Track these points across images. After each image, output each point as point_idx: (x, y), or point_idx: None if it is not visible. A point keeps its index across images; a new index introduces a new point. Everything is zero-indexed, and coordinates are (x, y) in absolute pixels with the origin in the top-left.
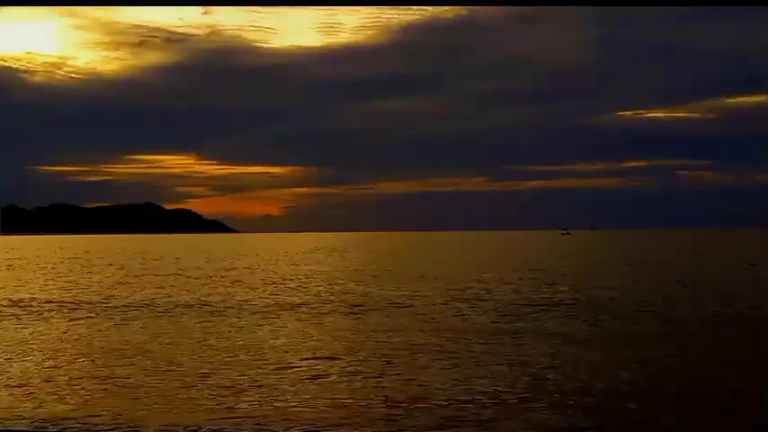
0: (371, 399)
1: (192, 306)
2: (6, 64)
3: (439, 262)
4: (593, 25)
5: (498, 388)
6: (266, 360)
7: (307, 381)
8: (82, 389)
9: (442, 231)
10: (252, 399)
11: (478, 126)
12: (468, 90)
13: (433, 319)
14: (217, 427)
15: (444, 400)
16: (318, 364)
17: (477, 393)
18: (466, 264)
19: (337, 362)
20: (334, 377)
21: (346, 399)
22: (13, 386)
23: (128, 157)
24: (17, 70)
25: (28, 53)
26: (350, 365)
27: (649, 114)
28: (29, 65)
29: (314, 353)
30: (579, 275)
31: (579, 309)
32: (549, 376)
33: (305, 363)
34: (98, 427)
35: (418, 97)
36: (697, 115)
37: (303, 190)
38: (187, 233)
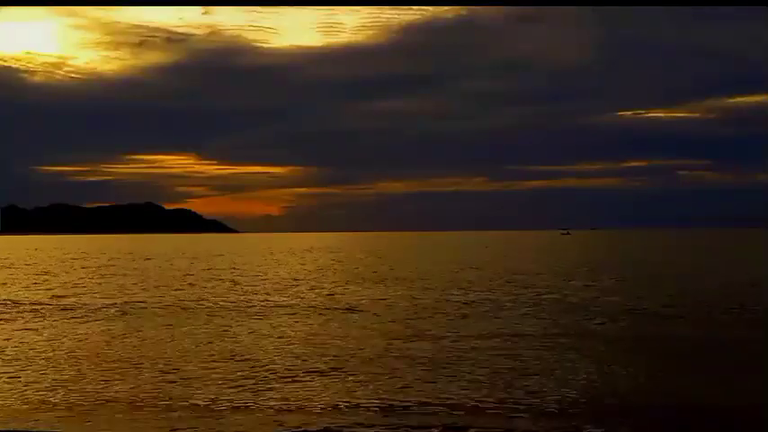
0: (336, 403)
1: (170, 307)
2: (6, 64)
3: (435, 262)
4: (593, 25)
5: (463, 392)
6: (230, 360)
7: (271, 384)
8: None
9: (442, 231)
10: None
11: (478, 126)
12: (468, 90)
13: (411, 320)
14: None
15: (411, 404)
16: (288, 367)
17: (437, 397)
18: (458, 264)
19: (302, 364)
20: (299, 380)
21: (311, 402)
22: None
23: (128, 157)
24: (17, 70)
25: (28, 53)
26: (311, 368)
27: (649, 114)
28: (29, 65)
29: (283, 355)
30: (570, 275)
31: (559, 309)
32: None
33: (270, 365)
34: None
35: (418, 97)
36: (697, 115)
37: (303, 190)
38: (187, 233)
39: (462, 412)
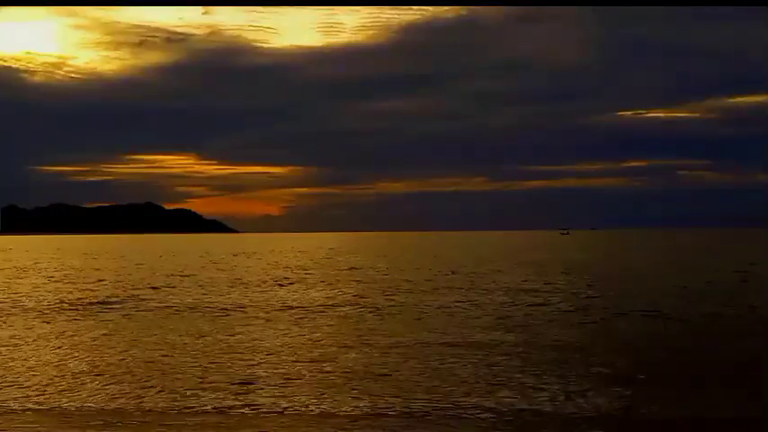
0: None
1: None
2: (6, 64)
3: (418, 263)
4: (593, 25)
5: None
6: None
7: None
8: None
9: (442, 231)
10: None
11: (478, 126)
12: (468, 90)
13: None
14: None
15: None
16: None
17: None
18: (442, 265)
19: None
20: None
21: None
22: None
23: (128, 157)
24: (17, 70)
25: (28, 53)
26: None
27: (649, 114)
28: (29, 65)
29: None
30: (554, 275)
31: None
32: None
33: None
34: None
35: (418, 97)
36: (697, 115)
37: (303, 190)
38: (187, 233)
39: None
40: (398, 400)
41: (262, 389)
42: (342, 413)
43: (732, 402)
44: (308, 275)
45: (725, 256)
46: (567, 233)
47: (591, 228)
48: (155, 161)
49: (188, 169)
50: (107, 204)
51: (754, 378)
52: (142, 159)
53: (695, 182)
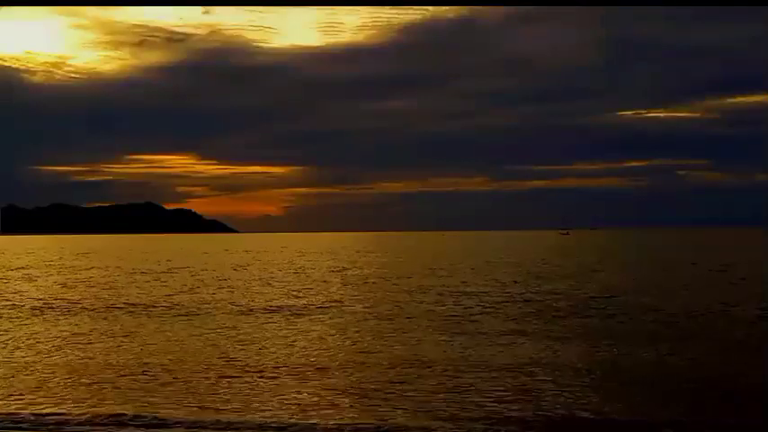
0: None
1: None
2: (6, 64)
3: (407, 262)
4: (594, 25)
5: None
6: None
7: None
8: None
9: (441, 231)
10: None
11: (478, 126)
12: (468, 90)
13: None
14: None
15: None
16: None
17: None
18: (433, 264)
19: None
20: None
21: None
22: None
23: (128, 157)
24: (17, 70)
25: (28, 53)
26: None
27: (649, 114)
28: (29, 65)
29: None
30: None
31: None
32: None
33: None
34: None
35: (418, 97)
36: (697, 115)
37: (303, 190)
38: (187, 233)
39: None
40: None
41: None
42: None
43: None
44: None
45: (712, 256)
46: (567, 233)
47: (591, 228)
48: (155, 161)
49: (188, 169)
50: (107, 204)
51: None
52: (142, 159)
53: (695, 182)
